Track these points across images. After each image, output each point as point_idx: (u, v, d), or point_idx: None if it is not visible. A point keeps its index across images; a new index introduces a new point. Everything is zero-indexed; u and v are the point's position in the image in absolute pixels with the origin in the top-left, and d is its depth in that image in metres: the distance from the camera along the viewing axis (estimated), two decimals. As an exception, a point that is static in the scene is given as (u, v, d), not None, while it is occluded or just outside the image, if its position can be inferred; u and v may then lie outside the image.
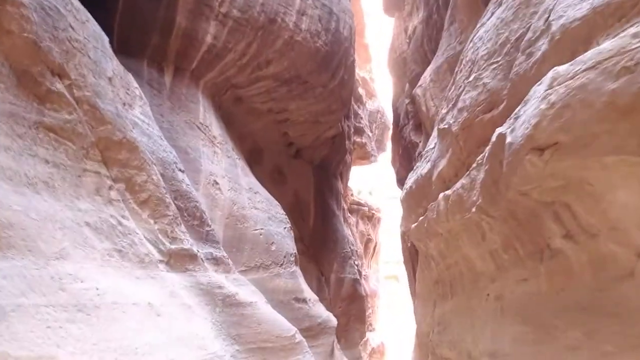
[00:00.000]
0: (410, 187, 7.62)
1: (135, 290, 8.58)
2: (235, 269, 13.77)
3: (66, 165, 8.15)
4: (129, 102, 10.00)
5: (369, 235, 42.19)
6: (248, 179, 17.09)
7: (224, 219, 14.94)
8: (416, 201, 7.43)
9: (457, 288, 6.10)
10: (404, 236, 34.29)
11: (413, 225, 7.04)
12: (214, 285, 11.64)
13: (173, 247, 10.46)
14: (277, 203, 18.24)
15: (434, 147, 6.86)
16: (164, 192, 10.36)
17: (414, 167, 8.46)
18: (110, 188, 8.98)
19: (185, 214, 11.53)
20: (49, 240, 7.00)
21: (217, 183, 14.83)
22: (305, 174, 26.93)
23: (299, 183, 26.28)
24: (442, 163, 5.79)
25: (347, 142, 30.83)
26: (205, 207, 13.16)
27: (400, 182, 35.87)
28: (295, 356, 13.86)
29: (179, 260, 10.67)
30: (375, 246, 45.14)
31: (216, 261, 12.54)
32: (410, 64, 24.76)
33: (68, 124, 8.19)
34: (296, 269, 17.44)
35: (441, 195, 5.53)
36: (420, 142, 26.00)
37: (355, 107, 36.21)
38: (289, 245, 17.34)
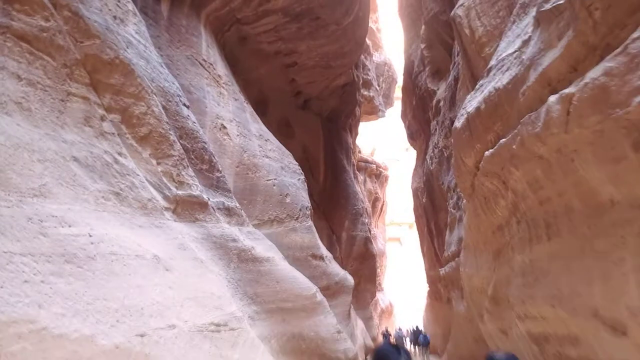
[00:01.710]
0: (477, 108, 5.96)
1: (138, 241, 7.07)
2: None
3: (45, 85, 6.46)
4: (120, 17, 8.20)
5: (376, 193, 40.79)
6: (258, 126, 15.39)
7: (233, 167, 13.34)
8: (485, 125, 5.78)
9: (560, 227, 4.52)
10: (417, 192, 32.92)
11: (487, 153, 5.34)
12: (228, 238, 10.15)
13: (180, 192, 8.90)
14: (289, 153, 16.61)
15: (518, 49, 5.14)
16: (167, 127, 8.71)
17: (477, 86, 6.78)
18: (102, 119, 7.32)
19: (192, 156, 9.91)
20: (24, 172, 5.41)
21: (224, 127, 13.15)
22: (314, 127, 25.20)
23: (308, 136, 24.57)
24: (550, 57, 4.12)
25: (357, 93, 28.93)
26: (212, 154, 11.56)
27: (412, 136, 34.15)
28: (317, 316, 12.57)
29: (187, 208, 9.13)
30: (382, 205, 43.84)
31: (229, 212, 11.02)
32: (428, 2, 22.64)
33: (45, 33, 6.46)
34: (312, 223, 15.99)
35: (553, 98, 3.89)
36: (437, 89, 24.19)
37: (363, 57, 34.04)
38: (304, 197, 15.82)
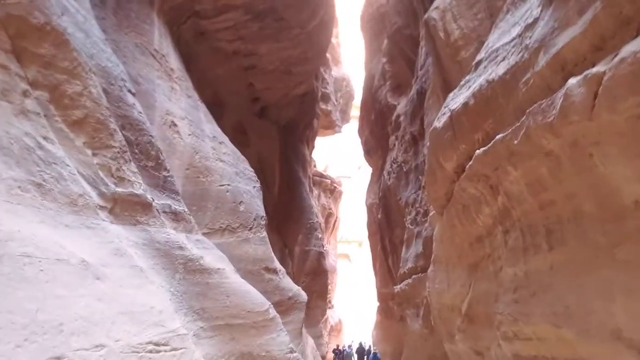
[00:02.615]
0: (464, 104, 5.34)
1: (62, 242, 5.88)
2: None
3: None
4: (56, -20, 7.05)
5: (330, 209, 40.11)
6: (212, 127, 14.30)
7: (183, 169, 12.18)
8: (473, 122, 5.13)
9: (566, 235, 3.86)
10: (372, 208, 32.47)
11: (479, 151, 4.66)
12: (174, 245, 9.00)
13: (119, 190, 7.72)
14: (244, 158, 15.59)
15: (518, 36, 4.55)
16: (107, 114, 7.55)
17: (461, 84, 6.13)
18: (25, 94, 6.12)
19: (137, 151, 8.74)
20: None
21: (175, 125, 12.00)
22: (271, 136, 24.22)
23: (264, 146, 23.53)
24: (567, 36, 3.52)
25: (316, 105, 28.31)
26: (160, 152, 10.40)
27: (368, 152, 33.79)
28: (269, 334, 11.50)
29: (127, 208, 7.95)
30: (335, 221, 43.19)
31: (176, 216, 9.86)
32: (392, 16, 22.43)
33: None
34: (266, 234, 14.96)
35: (574, 80, 3.26)
36: (398, 104, 23.90)
37: (322, 70, 33.57)
38: (259, 206, 14.80)
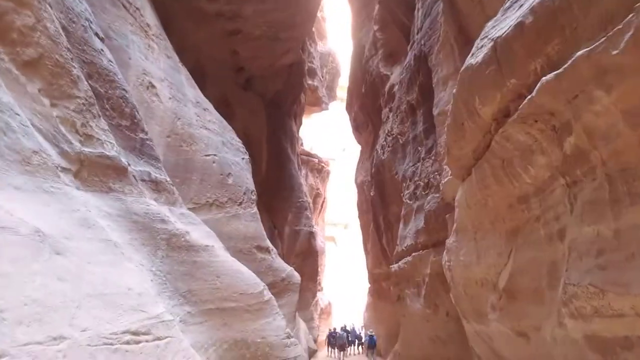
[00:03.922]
0: (519, 26, 4.11)
1: (9, 207, 4.55)
2: (180, 205, 9.86)
3: None
4: None
5: (317, 189, 38.91)
6: (195, 92, 12.89)
7: (163, 136, 10.80)
8: (531, 47, 3.99)
9: None
10: (362, 186, 31.35)
11: (549, 76, 3.40)
12: (155, 217, 7.69)
13: (87, 150, 6.37)
14: (231, 128, 14.24)
15: None
16: (68, 56, 6.15)
17: (505, 6, 4.91)
18: (-45, 18, 4.72)
19: (107, 106, 7.36)
20: None
21: (153, 86, 10.59)
22: (257, 110, 22.81)
23: (249, 119, 22.13)
24: None
25: (303, 78, 26.88)
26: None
27: (357, 128, 32.56)
28: (265, 318, 10.35)
29: (97, 172, 6.60)
30: (323, 202, 42.05)
31: (156, 186, 8.54)
32: (384, -21, 21.02)
33: None
34: (257, 210, 13.73)
35: None
36: (391, 73, 22.63)
37: (308, 44, 32.03)
38: (249, 179, 13.54)
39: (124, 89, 7.80)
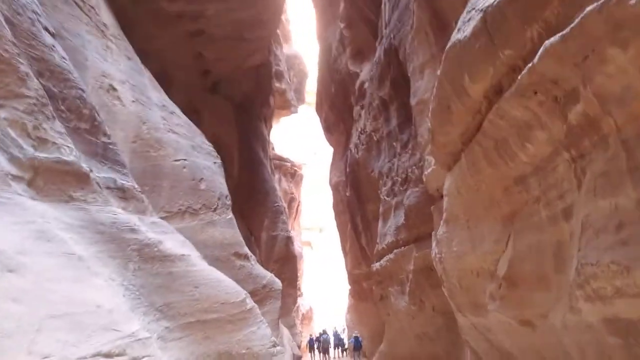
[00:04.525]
0: None
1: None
2: (151, 214, 9.21)
3: None
4: None
5: (292, 193, 38.40)
6: (159, 95, 12.24)
7: (128, 142, 10.13)
8: (526, 15, 3.71)
9: None
10: (337, 187, 30.96)
11: (553, 39, 3.02)
12: (123, 227, 7.06)
13: (41, 155, 5.73)
14: (200, 132, 13.63)
15: None
16: (14, 52, 5.51)
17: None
18: None
19: (63, 107, 6.70)
20: None
21: (114, 89, 9.92)
22: (226, 114, 22.15)
23: (219, 124, 21.44)
24: None
25: (272, 80, 26.36)
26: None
27: (328, 129, 32.18)
28: (249, 328, 9.80)
29: (54, 180, 5.96)
30: (298, 206, 41.54)
31: (123, 194, 7.89)
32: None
33: None
34: (232, 216, 13.14)
35: None
36: (360, 71, 22.36)
37: (274, 47, 31.54)
38: (222, 184, 12.95)
39: (80, 89, 7.16)
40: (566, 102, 4.14)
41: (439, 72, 6.35)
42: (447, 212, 7.50)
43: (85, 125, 7.14)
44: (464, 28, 5.31)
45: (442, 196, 9.24)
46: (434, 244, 8.87)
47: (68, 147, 6.25)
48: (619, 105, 3.54)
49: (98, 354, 4.78)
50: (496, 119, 5.22)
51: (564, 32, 3.68)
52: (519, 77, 4.43)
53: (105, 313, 5.39)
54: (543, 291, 5.18)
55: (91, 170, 6.75)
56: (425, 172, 10.74)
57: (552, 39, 3.80)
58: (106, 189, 7.27)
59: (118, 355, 5.15)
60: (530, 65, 4.16)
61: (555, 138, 4.55)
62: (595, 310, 4.11)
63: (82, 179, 6.40)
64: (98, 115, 7.62)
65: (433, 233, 9.57)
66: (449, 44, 5.71)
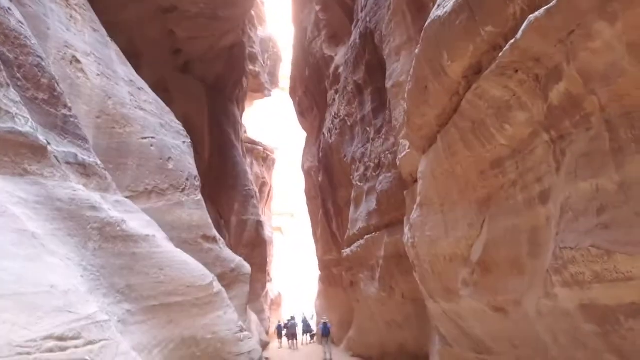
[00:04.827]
0: None
1: None
2: (115, 194, 8.80)
3: None
4: None
5: (264, 178, 37.94)
6: (127, 69, 11.71)
7: (92, 117, 9.64)
8: None
9: None
10: (310, 172, 30.74)
11: (539, 13, 2.86)
12: (83, 204, 6.68)
13: (-8, 124, 5.30)
14: (170, 110, 13.16)
15: None
16: (-38, 9, 5.04)
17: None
18: None
19: (19, 75, 6.24)
20: None
21: (78, 61, 9.39)
22: (197, 95, 21.56)
23: (189, 105, 20.84)
24: None
25: (245, 61, 25.79)
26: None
27: (302, 113, 31.83)
28: (215, 312, 9.53)
29: (7, 151, 5.55)
30: (269, 190, 41.13)
31: (85, 170, 7.48)
32: (326, -43, 20.34)
33: None
34: (201, 197, 12.77)
35: None
36: (335, 55, 22.07)
37: (248, 28, 30.85)
38: (191, 164, 12.55)
39: (39, 57, 6.68)
40: (548, 80, 4.02)
41: (416, 52, 6.17)
42: (421, 196, 7.39)
43: (44, 95, 6.69)
44: (444, 4, 5.13)
45: (415, 181, 9.15)
46: (406, 229, 8.78)
47: (23, 117, 5.83)
48: (603, 83, 3.43)
49: (50, 337, 4.47)
50: (475, 99, 5.08)
51: (550, 5, 3.53)
52: (500, 55, 4.29)
53: (59, 294, 5.06)
54: (517, 277, 5.12)
55: (49, 143, 6.33)
56: (399, 156, 10.63)
57: (537, 13, 3.65)
58: (65, 163, 6.86)
59: (73, 338, 4.84)
60: (512, 41, 4.01)
61: (534, 119, 4.44)
62: (572, 296, 4.05)
63: (38, 151, 5.99)
64: (58, 85, 7.15)
65: (405, 218, 9.49)
66: (428, 21, 5.53)
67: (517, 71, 4.29)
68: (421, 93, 6.32)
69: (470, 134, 5.51)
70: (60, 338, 4.63)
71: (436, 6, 5.41)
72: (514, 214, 5.12)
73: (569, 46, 3.55)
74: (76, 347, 4.87)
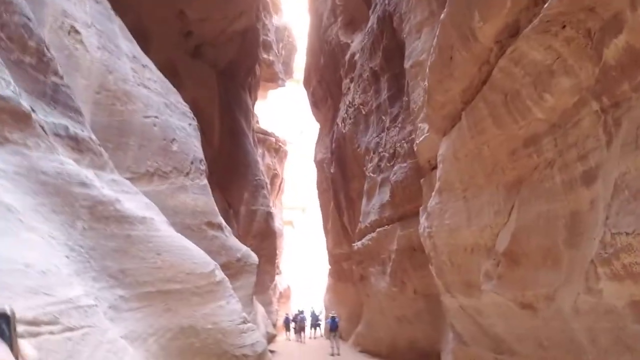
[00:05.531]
0: None
1: None
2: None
3: None
4: None
5: (275, 169, 37.44)
6: (131, 45, 11.19)
7: (91, 92, 9.13)
8: None
9: None
10: (322, 164, 30.13)
11: None
12: (72, 179, 6.16)
13: (-33, 85, 4.78)
14: (176, 90, 12.62)
15: None
16: None
17: None
18: None
19: (2, 35, 5.72)
20: None
21: (77, 32, 8.87)
22: (208, 80, 21.03)
23: (199, 90, 20.31)
24: None
25: (258, 48, 25.20)
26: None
27: (316, 104, 31.21)
28: (216, 302, 8.97)
29: (-17, 116, 5.03)
30: (281, 183, 40.65)
31: (77, 144, 6.95)
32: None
33: None
34: (207, 182, 12.25)
35: None
36: (351, 42, 21.38)
37: (263, 16, 30.23)
38: (197, 147, 12.02)
39: (26, 16, 6.15)
40: (604, 34, 3.35)
41: (442, 17, 5.51)
42: (440, 181, 6.74)
43: (31, 59, 6.16)
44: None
45: (433, 168, 8.51)
46: (422, 218, 8.14)
47: (4, 79, 5.30)
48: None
49: (19, 321, 3.94)
50: (509, 66, 4.42)
51: None
52: (545, 6, 3.62)
53: (35, 274, 4.53)
54: (550, 269, 4.47)
55: (34, 111, 5.80)
56: (417, 142, 9.96)
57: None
58: (54, 135, 6.34)
59: (48, 323, 4.31)
60: (543, 6, 3.35)
61: (582, 85, 3.78)
62: (621, 290, 3.39)
63: (20, 118, 5.46)
64: (48, 51, 6.62)
65: (421, 208, 8.84)
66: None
67: (564, 26, 3.63)
68: (445, 65, 5.66)
69: (502, 107, 4.86)
70: (32, 323, 4.10)
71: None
72: (550, 197, 4.46)
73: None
74: (51, 332, 4.33)
